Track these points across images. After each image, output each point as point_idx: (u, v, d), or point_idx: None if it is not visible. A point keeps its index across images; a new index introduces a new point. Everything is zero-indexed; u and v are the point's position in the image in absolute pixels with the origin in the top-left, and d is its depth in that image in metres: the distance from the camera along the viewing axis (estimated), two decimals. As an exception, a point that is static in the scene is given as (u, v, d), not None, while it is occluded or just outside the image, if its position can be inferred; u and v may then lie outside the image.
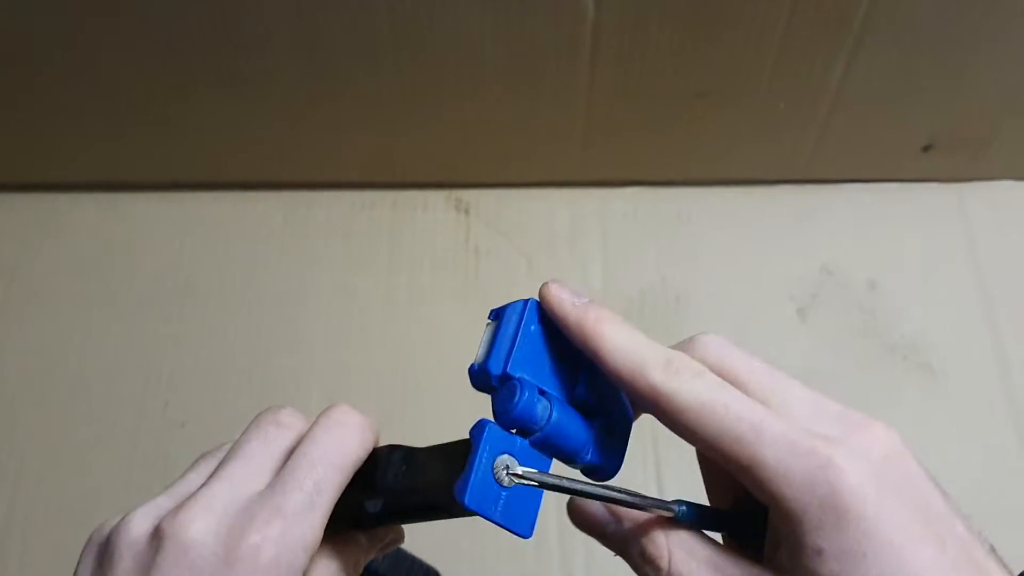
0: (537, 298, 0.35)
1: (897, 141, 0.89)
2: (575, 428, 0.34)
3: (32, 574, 0.74)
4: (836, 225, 0.91)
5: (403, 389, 0.82)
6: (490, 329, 0.35)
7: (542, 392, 0.34)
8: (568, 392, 0.35)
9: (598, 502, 0.34)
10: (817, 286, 0.87)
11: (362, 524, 0.38)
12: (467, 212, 0.91)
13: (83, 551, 0.34)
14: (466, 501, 0.31)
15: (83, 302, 0.87)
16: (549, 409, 0.33)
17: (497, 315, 0.35)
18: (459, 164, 0.91)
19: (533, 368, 0.34)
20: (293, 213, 0.92)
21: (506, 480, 0.32)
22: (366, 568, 0.38)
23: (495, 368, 0.34)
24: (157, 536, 0.32)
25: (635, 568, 0.33)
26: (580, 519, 0.35)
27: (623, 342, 0.32)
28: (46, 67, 0.81)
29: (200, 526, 0.32)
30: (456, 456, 0.33)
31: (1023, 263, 0.88)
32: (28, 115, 0.86)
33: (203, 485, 0.34)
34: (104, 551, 0.33)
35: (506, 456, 0.32)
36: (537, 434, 0.33)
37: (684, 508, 0.33)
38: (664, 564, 0.32)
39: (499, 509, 0.32)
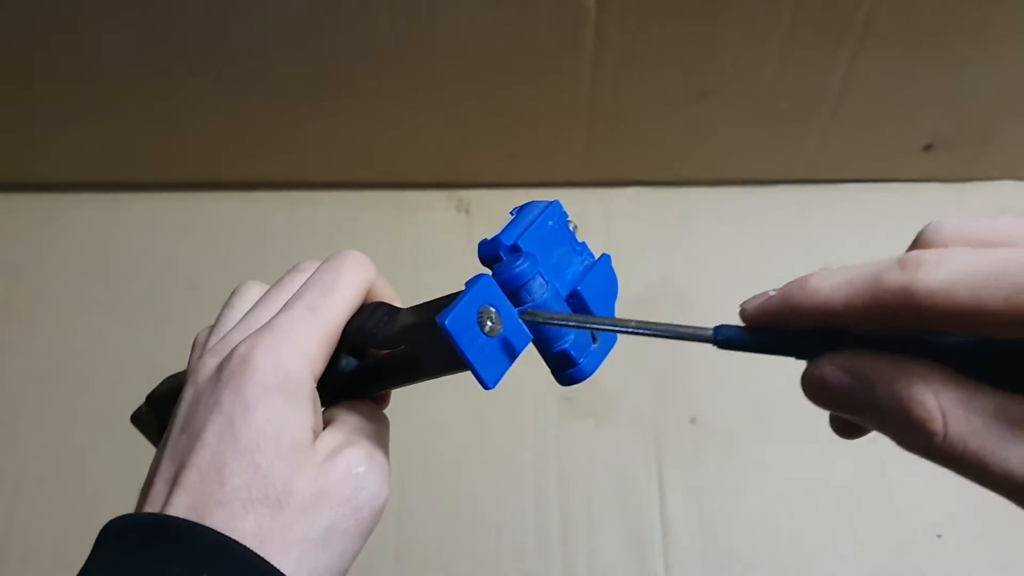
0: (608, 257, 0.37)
1: (898, 141, 0.89)
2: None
3: (32, 574, 0.74)
4: (838, 224, 0.91)
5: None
6: (509, 220, 0.37)
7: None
8: (566, 288, 0.36)
9: (840, 372, 0.27)
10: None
11: (340, 385, 0.40)
12: (468, 212, 0.91)
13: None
14: (447, 323, 0.31)
15: (84, 302, 0.87)
16: (545, 288, 0.34)
17: (519, 210, 0.37)
18: (461, 164, 0.91)
19: (541, 254, 0.35)
20: (295, 213, 0.92)
21: (487, 327, 0.33)
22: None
23: (507, 239, 0.35)
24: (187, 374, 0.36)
25: (899, 439, 0.26)
26: (818, 390, 0.28)
27: (839, 279, 0.27)
28: (47, 67, 0.81)
29: (209, 362, 0.35)
30: (442, 303, 0.34)
31: None
32: (28, 115, 0.86)
33: (226, 333, 0.37)
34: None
35: (492, 308, 0.33)
36: (527, 305, 0.34)
37: (724, 329, 0.30)
38: (939, 428, 0.25)
39: (473, 347, 0.32)
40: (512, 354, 0.34)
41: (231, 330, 0.37)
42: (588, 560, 0.73)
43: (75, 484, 0.78)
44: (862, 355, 0.27)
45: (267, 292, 0.39)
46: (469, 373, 0.34)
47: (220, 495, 0.31)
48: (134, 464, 0.80)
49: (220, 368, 0.34)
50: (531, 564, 0.73)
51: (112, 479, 0.78)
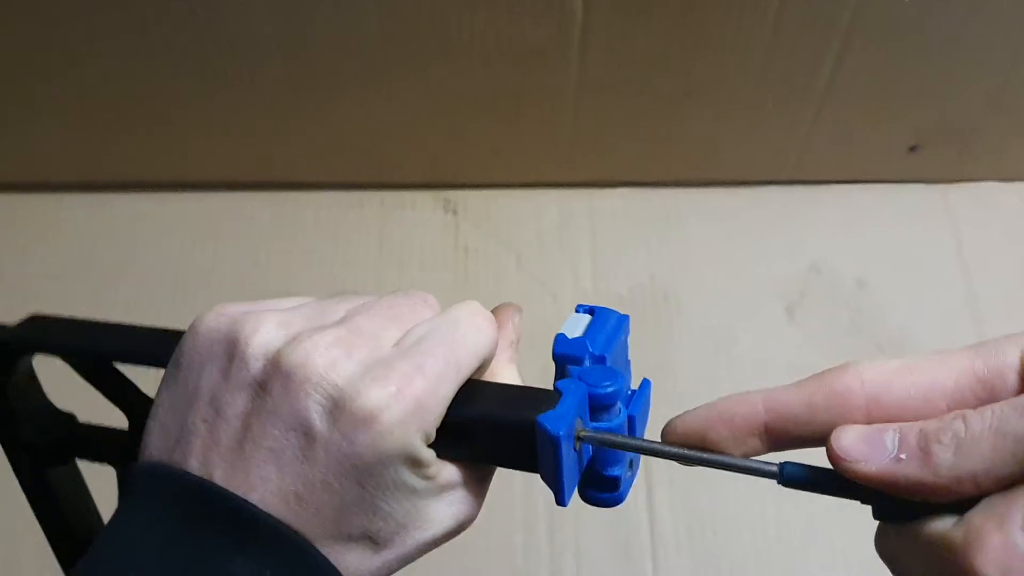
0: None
1: (884, 141, 0.89)
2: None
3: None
4: (824, 224, 0.91)
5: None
6: (581, 318, 0.35)
7: None
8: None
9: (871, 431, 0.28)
10: (805, 285, 0.87)
11: None
12: (455, 212, 0.91)
13: (194, 334, 0.33)
14: (561, 433, 0.30)
15: (72, 302, 0.87)
16: (621, 412, 0.33)
17: (590, 311, 0.35)
18: (447, 164, 0.91)
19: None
20: (282, 213, 0.92)
21: (577, 442, 0.31)
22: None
23: (595, 347, 0.34)
24: (277, 359, 0.31)
25: (940, 469, 0.26)
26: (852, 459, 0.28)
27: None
28: (35, 68, 0.80)
29: (325, 363, 0.31)
30: (525, 396, 0.33)
31: (1007, 262, 0.88)
32: (17, 116, 0.85)
33: (340, 320, 0.33)
34: (229, 348, 0.32)
35: (581, 421, 0.32)
36: (601, 425, 0.33)
37: (790, 467, 0.29)
38: (959, 424, 0.26)
39: (568, 461, 0.31)
40: (581, 469, 0.33)
41: (353, 317, 0.33)
42: (576, 558, 0.73)
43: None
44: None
45: (392, 307, 0.35)
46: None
47: (334, 531, 0.31)
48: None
49: (351, 390, 0.30)
50: (518, 562, 0.74)
51: (105, 482, 0.78)
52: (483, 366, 0.35)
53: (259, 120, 0.86)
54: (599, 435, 0.32)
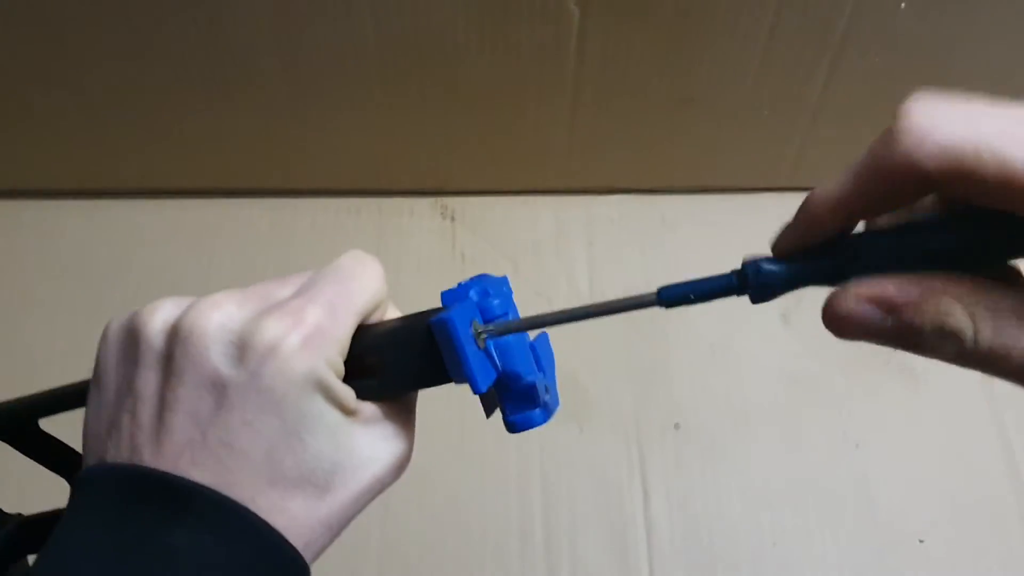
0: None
1: (879, 148, 0.90)
2: (527, 357, 0.35)
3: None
4: (819, 231, 0.91)
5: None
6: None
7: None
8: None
9: (865, 303, 0.28)
10: (800, 291, 0.87)
11: None
12: (453, 219, 0.92)
13: (104, 339, 0.35)
14: (453, 317, 0.32)
15: (68, 308, 0.87)
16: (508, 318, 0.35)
17: (473, 279, 0.38)
18: (445, 171, 0.91)
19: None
20: (279, 219, 0.92)
21: (477, 337, 0.33)
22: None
23: (478, 286, 0.36)
24: (175, 328, 0.33)
25: (929, 352, 0.27)
26: (844, 325, 0.29)
27: (839, 176, 0.29)
28: (31, 76, 0.80)
29: (219, 316, 0.32)
30: (426, 312, 0.34)
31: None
32: (17, 124, 0.86)
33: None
34: (132, 337, 0.34)
35: (477, 322, 0.34)
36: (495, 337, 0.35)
37: (665, 291, 0.33)
38: (969, 333, 0.26)
39: (470, 348, 0.33)
40: (494, 367, 0.34)
41: (238, 289, 0.35)
42: (571, 565, 0.74)
43: (58, 492, 0.77)
44: (882, 281, 0.28)
45: (275, 278, 0.37)
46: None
47: (270, 474, 0.31)
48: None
49: (245, 336, 0.32)
50: (514, 568, 0.74)
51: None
52: (378, 310, 0.36)
53: (257, 127, 0.86)
54: (497, 326, 0.34)
